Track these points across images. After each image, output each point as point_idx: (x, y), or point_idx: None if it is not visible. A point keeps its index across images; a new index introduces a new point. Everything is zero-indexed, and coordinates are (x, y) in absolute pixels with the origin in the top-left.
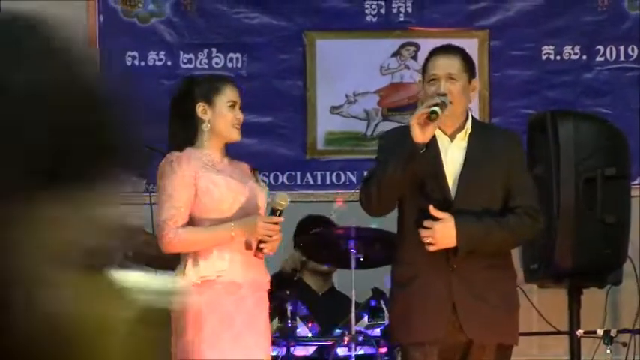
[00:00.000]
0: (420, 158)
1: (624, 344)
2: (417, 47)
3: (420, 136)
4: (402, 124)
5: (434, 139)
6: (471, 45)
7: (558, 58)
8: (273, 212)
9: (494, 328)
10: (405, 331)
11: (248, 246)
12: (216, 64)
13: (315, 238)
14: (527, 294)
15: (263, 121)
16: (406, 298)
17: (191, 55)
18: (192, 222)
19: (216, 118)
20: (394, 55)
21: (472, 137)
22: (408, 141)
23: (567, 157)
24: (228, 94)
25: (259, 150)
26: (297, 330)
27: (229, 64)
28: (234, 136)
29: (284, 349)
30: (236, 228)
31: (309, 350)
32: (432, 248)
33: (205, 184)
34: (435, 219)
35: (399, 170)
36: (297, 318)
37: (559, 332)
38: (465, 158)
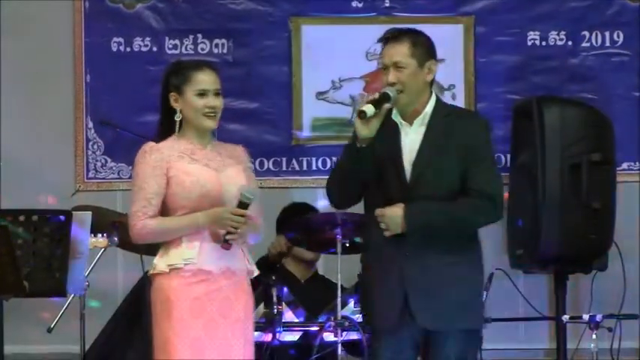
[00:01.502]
0: (363, 152)
1: (610, 329)
2: None
3: (363, 130)
4: None
5: (395, 125)
6: (456, 31)
7: (544, 43)
8: (240, 205)
9: (449, 314)
10: (368, 315)
11: (215, 237)
12: (202, 49)
13: (300, 225)
14: (512, 280)
15: (249, 107)
16: (367, 284)
17: (177, 41)
18: (165, 210)
19: (185, 107)
20: (379, 40)
21: (432, 122)
22: (377, 134)
23: (553, 143)
24: (197, 83)
25: (245, 136)
26: (284, 316)
27: (215, 50)
28: (207, 123)
29: (270, 335)
30: (203, 218)
31: (296, 336)
32: (387, 234)
33: (176, 174)
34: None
35: (345, 164)
36: (283, 303)
37: (545, 318)
38: (422, 143)
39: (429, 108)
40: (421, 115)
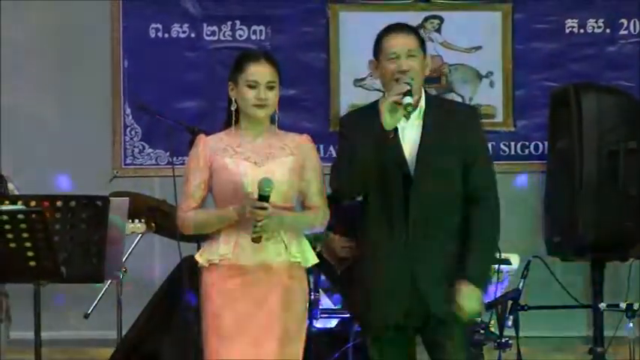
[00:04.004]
0: (390, 143)
1: None
2: (441, 20)
3: (390, 122)
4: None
5: None
6: (494, 18)
7: (582, 31)
8: (260, 197)
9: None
10: (365, 310)
11: (248, 232)
12: (240, 36)
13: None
14: (550, 267)
15: (287, 93)
16: (366, 277)
17: (215, 28)
18: (215, 201)
19: (238, 97)
20: (418, 27)
21: (427, 115)
22: (370, 123)
23: (590, 130)
24: (248, 74)
25: (282, 123)
26: (321, 302)
27: (253, 37)
28: (256, 113)
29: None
30: (233, 212)
31: (333, 322)
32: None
33: (217, 167)
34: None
35: (370, 155)
36: (320, 290)
37: (582, 306)
38: (422, 135)
39: (423, 102)
40: (417, 108)
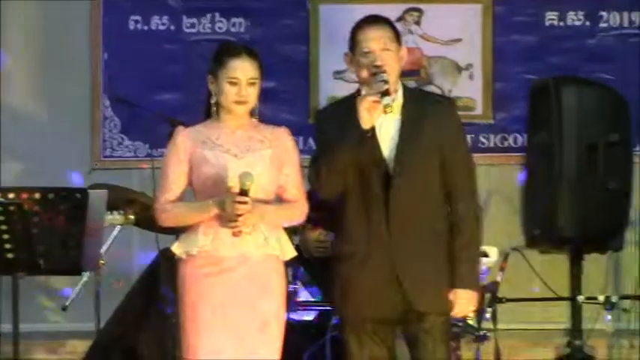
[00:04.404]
0: (367, 141)
1: (625, 310)
2: (421, 12)
3: (368, 121)
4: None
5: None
6: (474, 10)
7: (562, 24)
8: (241, 192)
9: (441, 296)
10: (346, 305)
11: (226, 224)
12: (220, 28)
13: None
14: (528, 260)
15: (266, 86)
16: (346, 273)
17: (194, 20)
18: (194, 194)
19: (219, 93)
20: (398, 20)
21: (405, 108)
22: (346, 118)
23: (570, 123)
24: (229, 70)
25: (262, 114)
26: (299, 295)
27: (232, 29)
28: (237, 110)
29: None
30: (213, 205)
31: (311, 315)
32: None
33: (197, 160)
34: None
35: (348, 154)
36: (299, 282)
37: (560, 298)
38: (400, 130)
39: (400, 96)
40: (395, 101)
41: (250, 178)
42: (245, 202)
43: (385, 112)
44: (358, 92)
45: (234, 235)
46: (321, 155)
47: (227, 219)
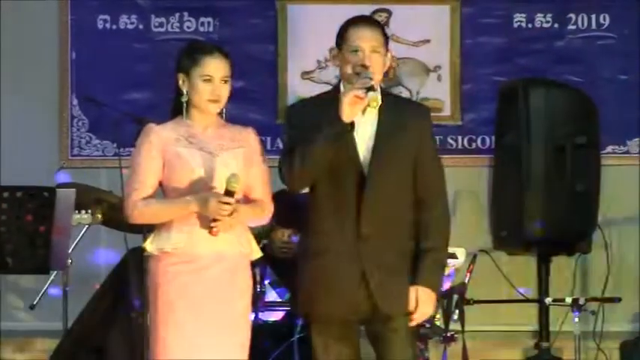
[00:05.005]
0: (347, 136)
1: (593, 312)
2: (389, 13)
3: (350, 115)
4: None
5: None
6: (442, 12)
7: (530, 25)
8: (226, 193)
9: (406, 298)
10: (312, 305)
11: (203, 222)
12: (188, 27)
13: (283, 205)
14: (495, 261)
15: (234, 85)
16: (314, 271)
17: (162, 19)
18: (164, 192)
19: (191, 90)
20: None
21: (383, 110)
22: (319, 116)
23: (538, 125)
24: (204, 68)
25: (230, 114)
26: (266, 295)
27: (201, 28)
28: (210, 108)
29: (252, 315)
30: (193, 202)
31: (279, 315)
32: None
33: (170, 157)
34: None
35: (327, 148)
36: (266, 283)
37: (528, 300)
38: (377, 132)
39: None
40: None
41: (237, 180)
42: (230, 204)
43: (372, 107)
44: (335, 90)
45: (212, 234)
46: (294, 148)
47: (208, 218)
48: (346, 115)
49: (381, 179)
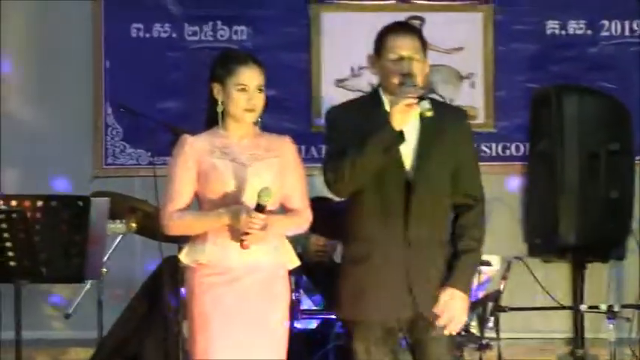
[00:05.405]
0: (399, 143)
1: (628, 319)
2: (423, 21)
3: (401, 124)
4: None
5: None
6: (475, 19)
7: (563, 32)
8: (258, 207)
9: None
10: (354, 310)
11: (234, 235)
12: (222, 36)
13: (320, 212)
14: (530, 269)
15: (268, 94)
16: (360, 276)
17: (196, 28)
18: (199, 202)
19: (226, 99)
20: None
21: (423, 118)
22: (361, 121)
23: (571, 132)
24: (239, 77)
25: (264, 123)
26: (302, 303)
27: (234, 37)
28: (246, 118)
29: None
30: (224, 215)
31: (313, 324)
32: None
33: (205, 168)
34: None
35: (378, 158)
36: (301, 291)
37: (562, 307)
38: (419, 137)
39: None
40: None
41: (269, 193)
42: (260, 219)
43: (426, 116)
44: (374, 96)
45: (243, 247)
46: (340, 152)
47: (239, 232)
48: (397, 124)
49: (426, 184)
